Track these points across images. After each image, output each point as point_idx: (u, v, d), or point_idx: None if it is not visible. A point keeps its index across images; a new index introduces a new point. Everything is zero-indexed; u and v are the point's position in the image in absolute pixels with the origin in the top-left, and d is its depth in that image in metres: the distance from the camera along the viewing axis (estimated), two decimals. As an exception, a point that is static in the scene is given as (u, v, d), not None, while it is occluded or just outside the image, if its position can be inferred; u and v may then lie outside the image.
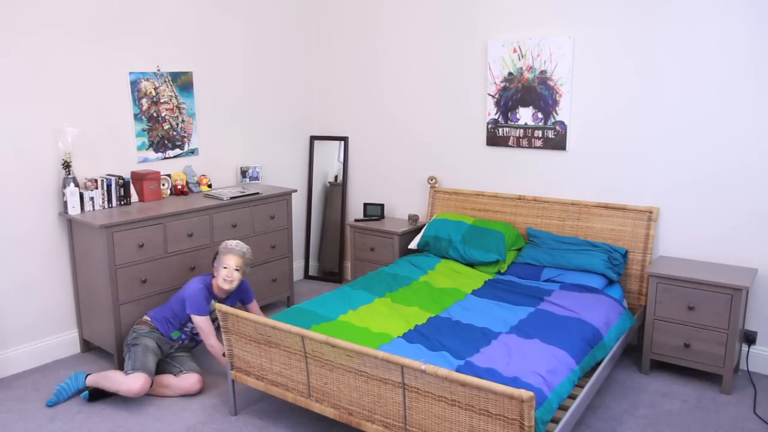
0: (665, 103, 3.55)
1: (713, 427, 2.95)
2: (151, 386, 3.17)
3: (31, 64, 3.41)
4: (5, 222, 3.41)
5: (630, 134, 3.70)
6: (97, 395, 3.19)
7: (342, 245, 5.07)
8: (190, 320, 3.33)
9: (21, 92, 3.39)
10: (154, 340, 3.29)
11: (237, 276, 3.30)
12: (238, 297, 3.52)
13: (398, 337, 2.92)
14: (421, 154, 4.63)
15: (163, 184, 4.05)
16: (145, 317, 3.37)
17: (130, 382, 3.06)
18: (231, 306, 3.41)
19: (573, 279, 3.61)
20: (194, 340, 3.44)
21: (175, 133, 4.16)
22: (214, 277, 3.37)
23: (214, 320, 3.38)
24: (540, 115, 3.98)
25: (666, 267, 3.42)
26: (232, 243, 3.37)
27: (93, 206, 3.63)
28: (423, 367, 2.26)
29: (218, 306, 2.91)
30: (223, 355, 3.13)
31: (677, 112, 3.53)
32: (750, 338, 3.45)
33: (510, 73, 4.05)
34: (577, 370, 2.73)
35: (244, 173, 4.59)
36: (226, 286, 3.29)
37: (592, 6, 3.69)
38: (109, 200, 3.70)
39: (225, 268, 3.28)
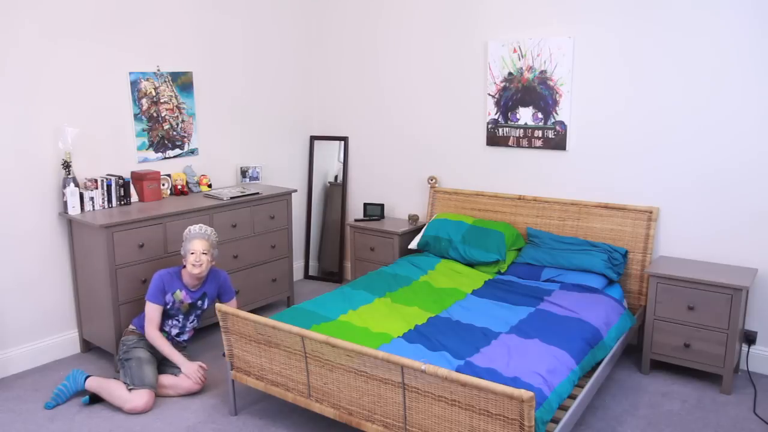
0: (665, 103, 3.55)
1: (713, 427, 2.95)
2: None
3: (31, 64, 3.42)
4: (5, 222, 3.41)
5: (630, 134, 3.70)
6: (97, 398, 3.19)
7: (342, 245, 5.07)
8: (169, 318, 3.34)
9: (21, 92, 3.39)
10: (145, 348, 3.27)
11: (205, 259, 3.30)
12: (217, 291, 3.47)
13: (398, 337, 2.92)
14: (421, 154, 4.63)
15: (163, 184, 4.05)
16: (131, 326, 3.37)
17: (135, 400, 3.06)
18: (208, 298, 3.42)
19: (573, 279, 3.61)
20: (181, 337, 3.43)
21: (175, 133, 4.16)
22: (184, 267, 3.36)
23: (175, 316, 3.35)
24: (540, 115, 3.98)
25: (666, 267, 3.42)
26: (195, 228, 3.37)
27: (93, 206, 3.63)
28: (423, 367, 2.26)
29: (219, 306, 2.91)
30: (223, 354, 3.11)
31: (677, 111, 3.53)
32: (750, 338, 3.45)
33: (510, 73, 4.05)
34: (577, 370, 2.73)
35: (244, 173, 4.59)
36: (196, 271, 3.27)
37: (592, 6, 3.69)
38: (109, 200, 3.70)
39: (192, 253, 3.28)
